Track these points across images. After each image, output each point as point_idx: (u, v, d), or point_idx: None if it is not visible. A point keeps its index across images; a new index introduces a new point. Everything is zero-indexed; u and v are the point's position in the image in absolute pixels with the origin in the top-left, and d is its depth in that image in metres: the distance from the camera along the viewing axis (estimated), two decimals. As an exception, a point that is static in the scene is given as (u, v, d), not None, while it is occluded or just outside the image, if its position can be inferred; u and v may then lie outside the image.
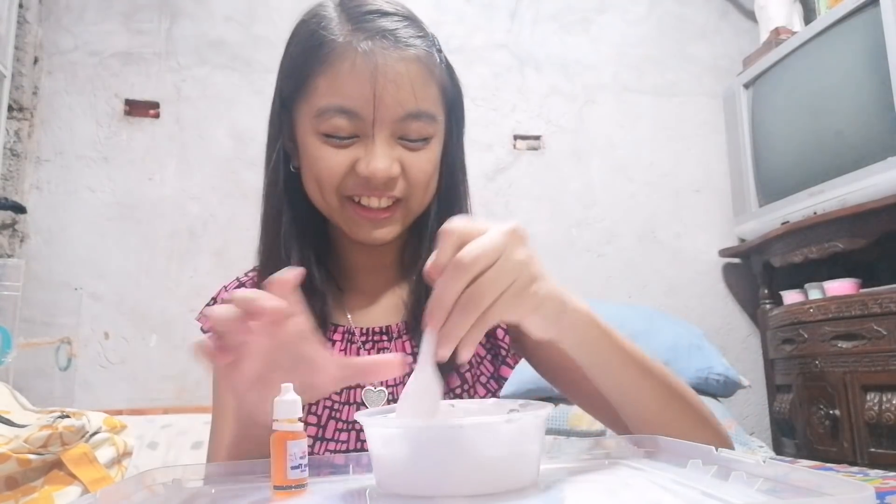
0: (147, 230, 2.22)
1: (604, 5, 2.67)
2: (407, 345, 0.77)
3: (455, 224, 0.49)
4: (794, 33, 2.30)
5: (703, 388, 2.06)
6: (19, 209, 2.00)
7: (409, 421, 0.50)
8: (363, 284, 0.80)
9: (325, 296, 0.75)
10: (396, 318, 0.78)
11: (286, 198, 0.75)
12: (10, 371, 1.66)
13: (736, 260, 2.58)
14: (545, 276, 0.53)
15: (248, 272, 0.83)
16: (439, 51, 0.75)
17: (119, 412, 1.80)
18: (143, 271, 2.19)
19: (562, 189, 2.52)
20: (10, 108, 2.10)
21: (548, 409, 0.49)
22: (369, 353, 0.76)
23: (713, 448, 0.50)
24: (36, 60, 2.22)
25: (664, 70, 2.67)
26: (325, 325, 0.75)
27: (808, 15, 2.51)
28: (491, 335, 0.79)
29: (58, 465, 1.12)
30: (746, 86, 2.40)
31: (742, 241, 2.47)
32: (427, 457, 0.46)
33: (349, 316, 0.78)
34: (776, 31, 2.37)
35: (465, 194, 0.80)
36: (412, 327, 0.76)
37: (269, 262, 0.76)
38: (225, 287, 0.82)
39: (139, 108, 2.29)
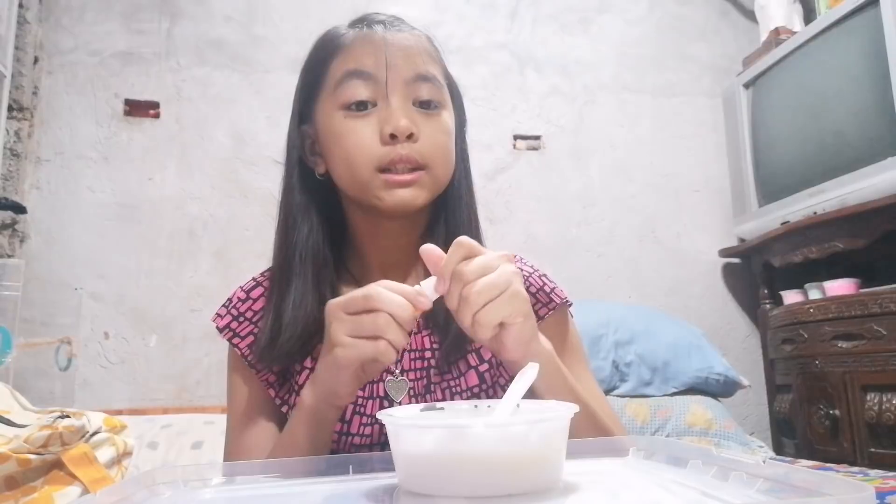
0: (147, 230, 2.22)
1: (604, 5, 2.67)
2: (426, 340, 0.79)
3: (466, 240, 0.62)
4: (794, 33, 2.30)
5: (703, 388, 2.06)
6: (19, 209, 2.00)
7: (415, 421, 0.51)
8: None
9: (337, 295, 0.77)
10: None
11: (302, 207, 0.79)
12: (10, 371, 1.66)
13: (736, 260, 2.58)
14: (526, 297, 0.64)
15: (264, 272, 0.84)
16: (437, 48, 0.83)
17: (119, 412, 1.80)
18: (143, 271, 2.19)
19: (562, 189, 2.52)
20: (10, 108, 2.10)
21: (573, 409, 0.50)
22: None
23: (713, 448, 0.50)
24: (36, 60, 2.22)
25: (664, 70, 2.67)
26: None
27: (808, 15, 2.51)
28: None
29: (58, 465, 1.11)
30: (746, 86, 2.40)
31: (742, 241, 2.47)
32: (436, 456, 0.47)
33: None
34: (776, 31, 2.37)
35: (471, 188, 0.84)
36: (431, 323, 0.79)
37: (286, 261, 0.78)
38: (241, 287, 0.84)
39: (139, 108, 2.29)
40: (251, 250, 2.26)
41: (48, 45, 2.25)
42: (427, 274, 0.81)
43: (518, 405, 0.55)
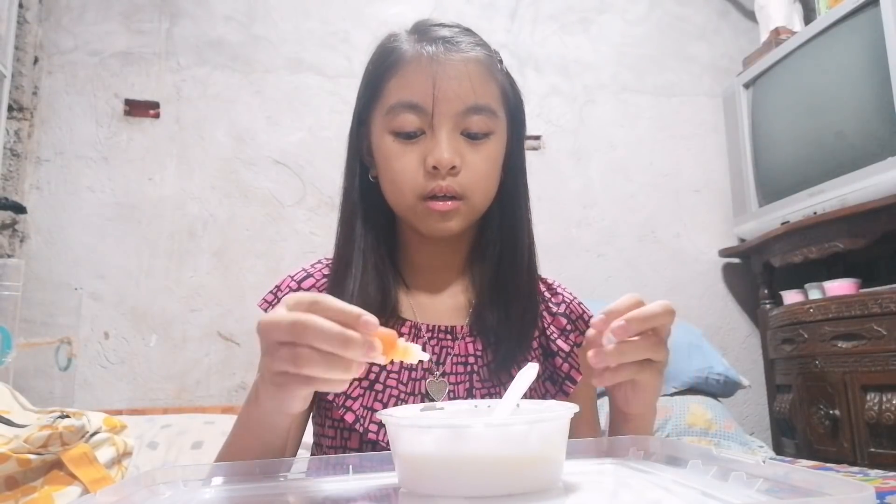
0: (147, 230, 2.22)
1: (604, 5, 2.67)
2: (470, 346, 0.80)
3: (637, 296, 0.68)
4: (794, 33, 2.30)
5: (703, 388, 2.06)
6: (19, 209, 2.00)
7: (410, 419, 0.51)
8: (429, 284, 0.85)
9: (392, 290, 0.80)
10: (461, 320, 0.82)
11: (361, 205, 0.82)
12: (10, 371, 1.66)
13: (736, 260, 2.58)
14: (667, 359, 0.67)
15: (314, 263, 0.86)
16: (500, 61, 0.83)
17: (119, 412, 1.80)
18: (143, 271, 2.19)
19: (562, 189, 2.52)
20: (10, 108, 2.10)
21: (573, 409, 0.50)
22: (433, 350, 0.80)
23: (713, 448, 0.51)
24: (36, 60, 2.22)
25: (664, 70, 2.67)
26: (393, 318, 0.79)
27: (808, 15, 2.51)
28: (550, 363, 0.83)
29: (58, 465, 1.11)
30: (746, 86, 2.40)
31: (742, 241, 2.47)
32: (436, 456, 0.47)
33: (415, 312, 0.82)
34: (776, 31, 2.37)
35: (526, 200, 0.85)
36: (476, 330, 0.81)
37: (342, 259, 0.81)
38: (291, 276, 0.85)
39: (139, 108, 2.29)
40: (251, 250, 2.26)
41: (48, 45, 2.25)
42: (474, 279, 0.83)
43: (518, 405, 0.55)
